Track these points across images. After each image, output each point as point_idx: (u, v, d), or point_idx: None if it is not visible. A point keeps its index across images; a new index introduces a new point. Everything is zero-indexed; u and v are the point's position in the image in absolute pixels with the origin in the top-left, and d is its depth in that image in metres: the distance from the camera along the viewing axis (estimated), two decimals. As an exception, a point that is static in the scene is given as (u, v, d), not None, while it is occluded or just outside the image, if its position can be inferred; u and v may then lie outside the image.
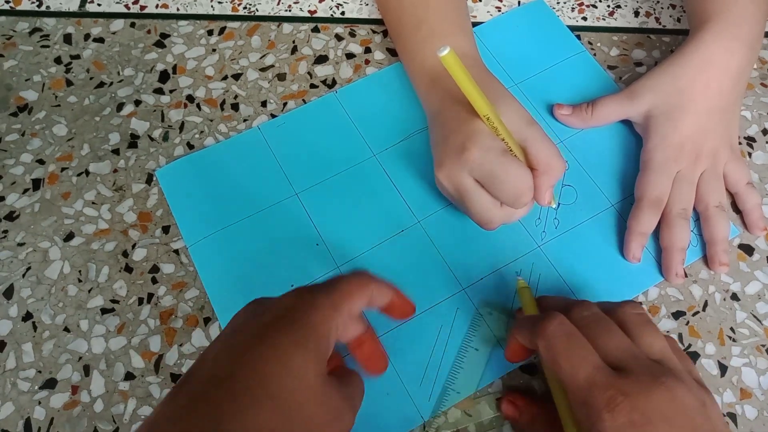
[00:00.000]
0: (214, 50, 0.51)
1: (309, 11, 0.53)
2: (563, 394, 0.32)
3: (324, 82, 0.50)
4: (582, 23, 0.52)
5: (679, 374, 0.30)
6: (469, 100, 0.35)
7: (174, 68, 0.50)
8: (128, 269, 0.43)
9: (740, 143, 0.47)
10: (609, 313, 0.33)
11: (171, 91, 0.49)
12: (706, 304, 0.41)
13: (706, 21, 0.43)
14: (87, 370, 0.40)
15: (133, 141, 0.47)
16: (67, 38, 0.52)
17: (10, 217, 0.44)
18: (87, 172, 0.46)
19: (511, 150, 0.37)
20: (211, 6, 0.53)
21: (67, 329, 0.41)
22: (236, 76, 0.50)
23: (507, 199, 0.37)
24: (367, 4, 0.53)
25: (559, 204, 0.44)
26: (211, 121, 0.48)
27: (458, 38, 0.44)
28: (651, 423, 0.27)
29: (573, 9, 0.53)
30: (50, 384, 0.39)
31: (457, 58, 0.32)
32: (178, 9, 0.53)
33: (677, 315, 0.41)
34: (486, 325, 0.40)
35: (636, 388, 0.28)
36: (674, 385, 0.29)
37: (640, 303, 0.33)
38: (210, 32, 0.52)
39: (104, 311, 0.41)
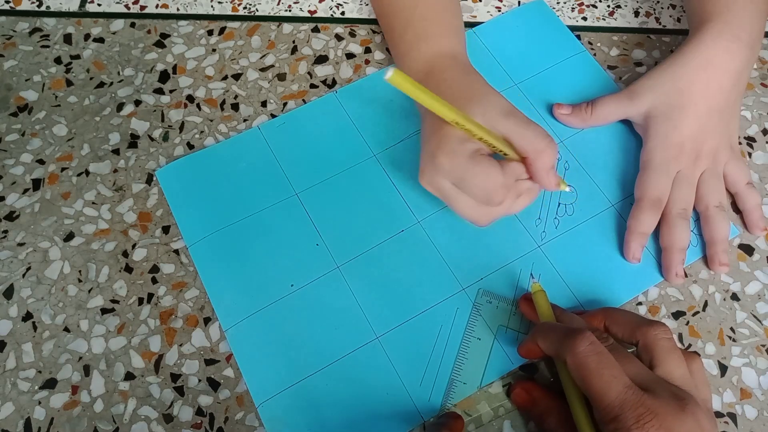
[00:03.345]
0: (214, 50, 0.51)
1: (309, 11, 0.53)
2: (582, 405, 0.33)
3: (324, 82, 0.50)
4: (582, 23, 0.52)
5: (697, 402, 0.31)
6: (433, 111, 0.34)
7: (174, 68, 0.50)
8: (128, 269, 0.43)
9: (740, 143, 0.47)
10: (638, 330, 0.34)
11: (171, 91, 0.49)
12: (706, 304, 0.41)
13: (705, 21, 0.42)
14: (87, 370, 0.40)
15: (133, 141, 0.47)
16: (67, 38, 0.52)
17: (10, 217, 0.44)
18: (87, 172, 0.46)
19: (493, 147, 0.37)
20: (211, 6, 0.53)
21: (67, 329, 0.41)
22: (236, 76, 0.50)
23: (480, 199, 0.37)
24: (367, 4, 0.53)
25: (571, 189, 0.44)
26: (211, 121, 0.48)
27: (444, 39, 0.44)
28: None
29: (573, 9, 0.53)
30: (50, 384, 0.39)
31: (405, 76, 0.31)
32: (178, 9, 0.53)
33: (677, 315, 0.41)
34: (487, 314, 0.40)
35: (664, 410, 0.30)
36: (696, 410, 0.30)
37: (669, 327, 0.35)
38: (210, 32, 0.52)
39: (104, 311, 0.41)
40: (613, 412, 0.30)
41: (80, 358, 0.40)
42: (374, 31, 0.52)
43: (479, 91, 0.39)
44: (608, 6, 0.53)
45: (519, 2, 0.53)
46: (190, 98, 0.49)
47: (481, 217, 0.38)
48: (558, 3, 0.53)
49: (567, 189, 0.42)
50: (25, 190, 0.45)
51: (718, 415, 0.38)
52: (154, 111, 0.48)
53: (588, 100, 0.46)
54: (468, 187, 0.37)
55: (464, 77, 0.41)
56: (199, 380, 0.39)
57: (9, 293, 0.42)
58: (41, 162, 0.46)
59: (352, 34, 0.52)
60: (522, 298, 0.40)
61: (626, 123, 0.46)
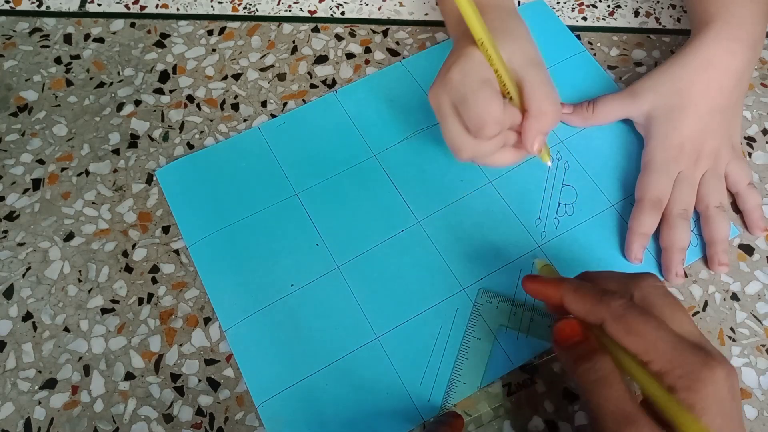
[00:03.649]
0: (214, 50, 0.51)
1: (309, 11, 0.53)
2: (633, 358, 0.30)
3: (324, 82, 0.50)
4: (582, 23, 0.52)
5: None
6: (465, 20, 0.34)
7: (174, 68, 0.50)
8: (128, 269, 0.43)
9: (741, 143, 0.47)
10: (630, 283, 0.32)
11: (171, 91, 0.49)
12: (706, 304, 0.41)
13: (707, 22, 0.42)
14: (87, 370, 0.40)
15: (133, 141, 0.47)
16: (67, 38, 0.52)
17: (10, 217, 0.44)
18: (87, 172, 0.46)
19: (503, 84, 0.36)
20: (211, 6, 0.53)
21: (67, 329, 0.41)
22: (236, 76, 0.50)
23: (471, 126, 0.35)
24: (367, 5, 0.53)
25: (551, 168, 0.44)
26: (211, 121, 0.48)
27: None
28: (736, 395, 0.29)
29: (573, 9, 0.53)
30: (50, 384, 0.39)
31: None
32: (178, 9, 0.53)
33: (677, 315, 0.41)
34: (487, 314, 0.40)
35: (722, 359, 0.29)
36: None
37: (658, 277, 0.32)
38: (210, 32, 0.52)
39: (104, 311, 0.41)
40: (671, 361, 0.28)
41: (80, 358, 0.40)
42: (374, 31, 0.52)
43: (516, 33, 0.38)
44: (608, 6, 0.53)
45: (519, 2, 0.53)
46: (190, 98, 0.49)
47: (463, 147, 0.37)
48: (558, 3, 0.53)
49: (548, 163, 0.39)
50: (25, 190, 0.45)
51: (718, 415, 0.38)
52: (154, 111, 0.48)
53: (589, 99, 0.46)
54: (466, 109, 0.35)
55: (508, 18, 0.40)
56: (199, 380, 0.39)
57: (9, 293, 0.42)
58: (41, 162, 0.46)
59: (352, 34, 0.52)
60: (525, 278, 0.35)
61: (627, 123, 0.46)
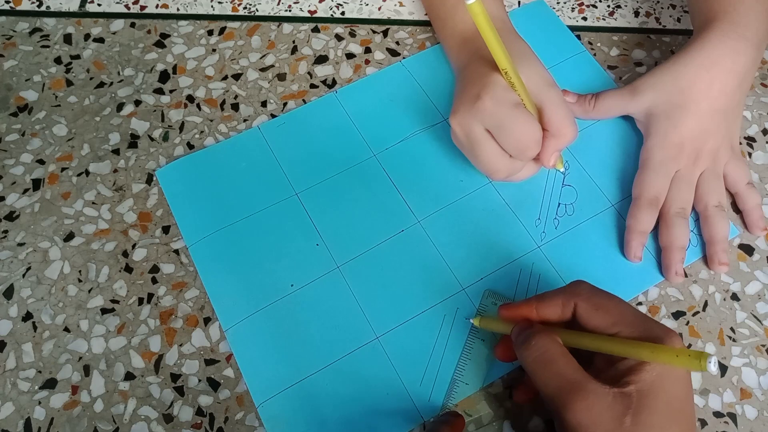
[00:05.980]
0: (214, 50, 0.51)
1: (309, 11, 0.53)
2: (604, 339, 0.32)
3: (324, 82, 0.50)
4: (582, 23, 0.52)
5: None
6: (490, 51, 0.36)
7: (174, 68, 0.50)
8: (128, 269, 0.43)
9: (740, 143, 0.47)
10: (571, 291, 0.35)
11: (171, 91, 0.49)
12: (706, 304, 0.41)
13: (711, 20, 0.42)
14: (87, 370, 0.40)
15: (133, 141, 0.47)
16: (67, 38, 0.52)
17: (10, 217, 0.44)
18: (87, 172, 0.46)
19: (525, 106, 0.38)
20: (211, 6, 0.53)
21: (67, 329, 0.41)
22: (236, 76, 0.50)
23: (513, 150, 0.38)
24: (367, 5, 0.53)
25: (567, 171, 0.45)
26: (211, 121, 0.48)
27: (491, 3, 0.44)
28: None
29: (573, 9, 0.53)
30: (50, 384, 0.39)
31: (484, 9, 0.33)
32: (178, 9, 0.53)
33: (677, 315, 0.41)
34: (491, 314, 0.40)
35: (675, 332, 0.33)
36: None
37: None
38: (210, 32, 0.52)
39: (104, 311, 0.41)
40: (642, 327, 0.31)
41: (80, 358, 0.40)
42: (374, 31, 0.52)
43: (526, 55, 0.40)
44: (608, 6, 0.53)
45: (519, 2, 0.53)
46: (190, 98, 0.49)
47: (501, 169, 0.39)
48: (558, 3, 0.54)
49: (561, 169, 0.44)
50: (25, 190, 0.45)
51: (718, 415, 0.38)
52: (154, 111, 0.48)
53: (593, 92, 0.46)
54: (506, 135, 0.37)
55: (515, 41, 0.42)
56: (199, 380, 0.39)
57: (9, 293, 0.42)
58: (41, 162, 0.46)
59: (352, 34, 0.52)
60: (501, 308, 0.36)
61: (628, 122, 0.46)
